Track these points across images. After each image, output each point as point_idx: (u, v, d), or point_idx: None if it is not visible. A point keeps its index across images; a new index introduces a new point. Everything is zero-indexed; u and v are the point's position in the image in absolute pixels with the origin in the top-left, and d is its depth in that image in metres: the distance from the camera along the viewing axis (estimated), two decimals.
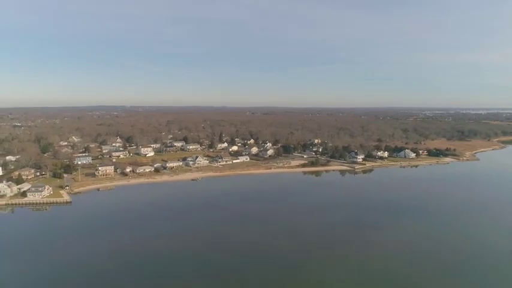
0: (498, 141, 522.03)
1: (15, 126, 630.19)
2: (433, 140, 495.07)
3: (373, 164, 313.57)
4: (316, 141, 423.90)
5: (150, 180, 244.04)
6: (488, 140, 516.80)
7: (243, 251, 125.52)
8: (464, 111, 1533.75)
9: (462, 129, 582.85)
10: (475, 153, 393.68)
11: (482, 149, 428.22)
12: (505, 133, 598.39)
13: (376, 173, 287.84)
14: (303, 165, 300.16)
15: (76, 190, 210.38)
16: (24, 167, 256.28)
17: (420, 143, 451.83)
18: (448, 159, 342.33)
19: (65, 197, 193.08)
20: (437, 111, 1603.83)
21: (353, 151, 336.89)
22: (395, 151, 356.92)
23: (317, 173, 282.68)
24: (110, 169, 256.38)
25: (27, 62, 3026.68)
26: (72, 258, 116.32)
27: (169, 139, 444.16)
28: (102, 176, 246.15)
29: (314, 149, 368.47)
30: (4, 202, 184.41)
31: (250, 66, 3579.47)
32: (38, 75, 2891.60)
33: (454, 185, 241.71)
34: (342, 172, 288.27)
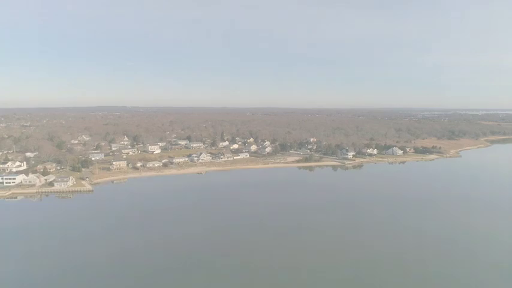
0: (486, 140, 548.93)
1: (24, 126, 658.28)
2: (423, 139, 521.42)
3: (362, 160, 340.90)
4: (312, 140, 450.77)
5: (160, 173, 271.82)
6: (476, 139, 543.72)
7: (242, 232, 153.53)
8: (462, 112, 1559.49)
9: (453, 129, 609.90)
10: (460, 151, 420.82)
11: (468, 147, 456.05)
12: (493, 133, 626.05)
13: (363, 168, 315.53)
14: (298, 161, 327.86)
15: (95, 181, 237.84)
16: (45, 161, 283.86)
17: (410, 141, 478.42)
18: (432, 156, 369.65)
19: (87, 186, 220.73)
20: (436, 112, 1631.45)
21: (344, 148, 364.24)
22: (384, 148, 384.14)
23: (310, 168, 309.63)
24: (123, 163, 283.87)
25: (26, 63, 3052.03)
26: (101, 237, 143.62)
27: (174, 138, 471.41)
28: (116, 170, 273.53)
29: (309, 147, 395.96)
30: (35, 190, 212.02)
31: (250, 66, 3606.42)
32: (37, 76, 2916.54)
33: (425, 178, 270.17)
34: (334, 167, 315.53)
